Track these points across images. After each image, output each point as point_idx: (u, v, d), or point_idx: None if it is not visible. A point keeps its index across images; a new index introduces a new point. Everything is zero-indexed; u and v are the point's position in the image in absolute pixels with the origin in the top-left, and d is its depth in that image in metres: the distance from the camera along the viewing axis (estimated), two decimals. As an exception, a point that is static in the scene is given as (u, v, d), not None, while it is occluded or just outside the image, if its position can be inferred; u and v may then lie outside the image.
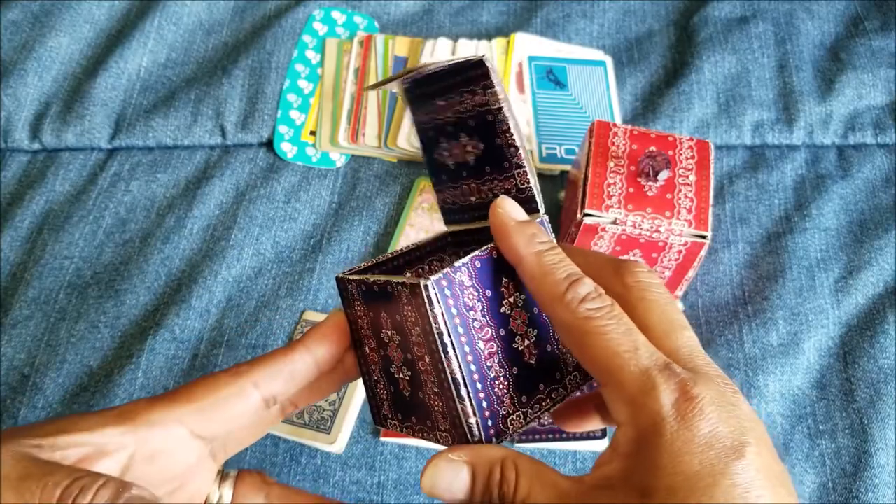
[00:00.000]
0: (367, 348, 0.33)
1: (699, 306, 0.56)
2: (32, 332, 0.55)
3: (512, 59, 0.66)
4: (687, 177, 0.49)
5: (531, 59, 0.66)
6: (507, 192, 0.32)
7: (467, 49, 0.66)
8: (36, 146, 0.64)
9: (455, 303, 0.29)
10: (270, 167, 0.62)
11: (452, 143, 0.34)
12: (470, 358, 0.29)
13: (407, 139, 0.62)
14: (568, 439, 0.51)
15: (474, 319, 0.29)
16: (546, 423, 0.51)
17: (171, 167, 0.63)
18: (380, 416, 0.34)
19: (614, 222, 0.48)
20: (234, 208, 0.60)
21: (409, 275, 0.35)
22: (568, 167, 0.61)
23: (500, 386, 0.30)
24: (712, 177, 0.49)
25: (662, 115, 0.63)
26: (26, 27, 0.68)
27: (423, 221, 0.59)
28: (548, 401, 0.31)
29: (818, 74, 0.65)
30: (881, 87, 0.64)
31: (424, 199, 0.60)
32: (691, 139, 0.51)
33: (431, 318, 0.28)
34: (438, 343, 0.28)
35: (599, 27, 0.69)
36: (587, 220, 0.48)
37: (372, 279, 0.31)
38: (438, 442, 0.31)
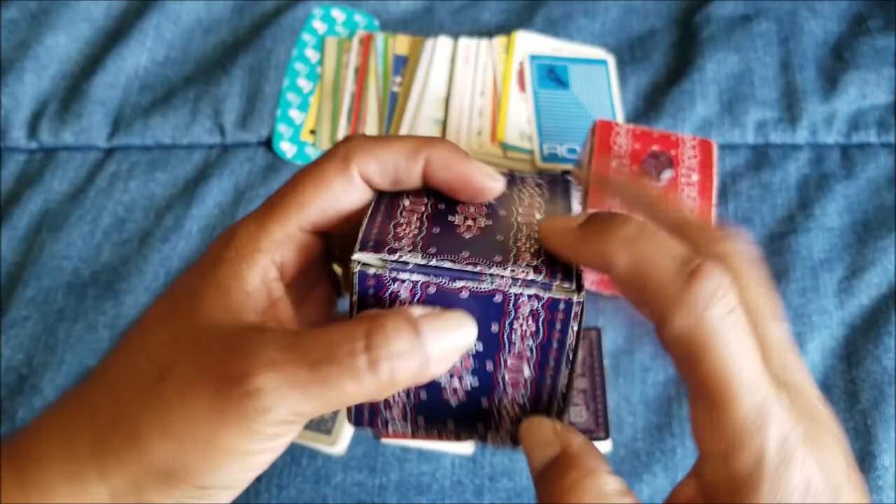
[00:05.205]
0: None
1: (702, 307, 0.55)
2: (30, 333, 0.55)
3: (513, 58, 0.65)
4: (690, 176, 0.49)
5: (532, 57, 0.65)
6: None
7: (468, 48, 0.66)
8: (33, 145, 0.63)
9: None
10: (270, 166, 0.62)
11: None
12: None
13: (407, 138, 0.61)
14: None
15: None
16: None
17: (170, 166, 0.62)
18: (377, 420, 0.31)
19: (617, 222, 0.48)
20: (234, 208, 0.60)
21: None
22: (570, 166, 0.61)
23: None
24: (715, 176, 0.49)
25: (665, 114, 0.63)
26: (24, 26, 0.68)
27: (423, 221, 0.59)
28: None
29: (821, 73, 0.65)
30: (885, 87, 0.64)
31: (425, 198, 0.60)
32: (694, 138, 0.51)
33: (571, 333, 0.25)
34: (564, 357, 0.26)
35: (601, 25, 0.69)
36: (590, 221, 0.48)
37: (465, 285, 0.26)
38: (490, 441, 0.29)
